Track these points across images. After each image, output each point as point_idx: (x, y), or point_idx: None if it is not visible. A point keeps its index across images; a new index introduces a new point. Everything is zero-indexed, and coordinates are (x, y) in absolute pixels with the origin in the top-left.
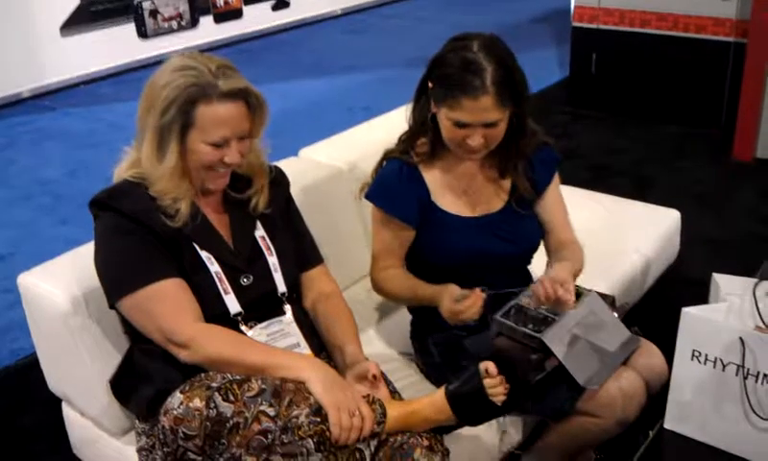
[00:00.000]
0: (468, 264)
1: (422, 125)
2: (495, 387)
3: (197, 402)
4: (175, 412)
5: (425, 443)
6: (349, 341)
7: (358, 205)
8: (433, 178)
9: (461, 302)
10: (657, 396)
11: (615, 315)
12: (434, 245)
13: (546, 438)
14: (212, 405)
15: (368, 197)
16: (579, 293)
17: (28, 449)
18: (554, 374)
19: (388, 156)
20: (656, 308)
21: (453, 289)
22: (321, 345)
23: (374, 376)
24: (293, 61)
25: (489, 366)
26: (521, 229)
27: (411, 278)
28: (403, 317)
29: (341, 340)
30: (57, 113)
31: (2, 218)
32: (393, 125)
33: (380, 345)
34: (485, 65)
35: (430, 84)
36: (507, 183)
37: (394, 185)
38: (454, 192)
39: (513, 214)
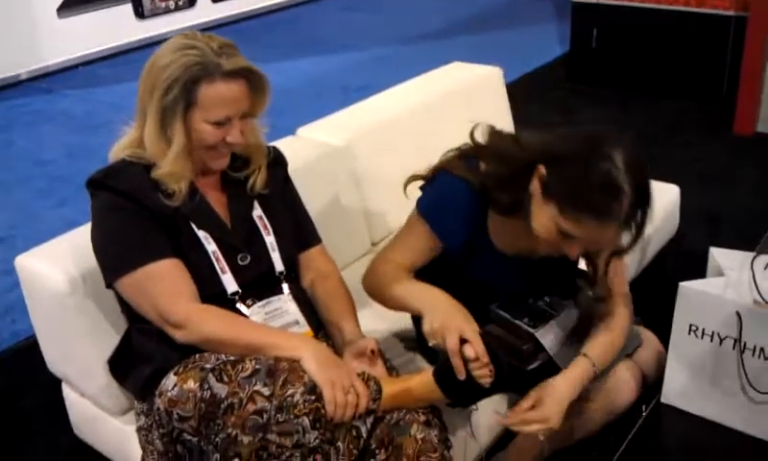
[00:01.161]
0: (488, 295)
1: (514, 205)
2: (480, 369)
3: (191, 384)
4: (169, 394)
5: (422, 418)
6: (347, 320)
7: (356, 184)
8: (495, 218)
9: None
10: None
11: None
12: (469, 272)
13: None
14: (206, 387)
15: (420, 208)
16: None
17: (28, 430)
18: (548, 366)
19: (455, 171)
20: (655, 283)
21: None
22: (319, 323)
23: (373, 352)
24: (290, 41)
25: (468, 349)
26: (555, 274)
27: (413, 281)
28: None
29: (339, 319)
30: (55, 95)
31: (0, 200)
32: (393, 103)
33: (379, 323)
34: (627, 191)
35: (543, 172)
36: None
37: (451, 208)
38: (509, 236)
39: (551, 261)
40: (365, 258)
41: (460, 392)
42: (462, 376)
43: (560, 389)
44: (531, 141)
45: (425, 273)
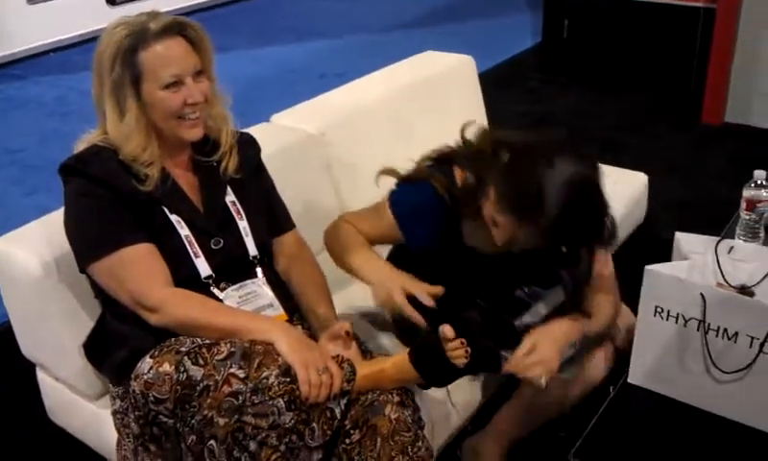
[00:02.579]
0: (461, 287)
1: (475, 194)
2: (456, 350)
3: (166, 367)
4: (145, 377)
5: (396, 399)
6: (321, 304)
7: (330, 171)
8: (471, 225)
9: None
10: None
11: None
12: (440, 268)
13: (503, 412)
14: (182, 369)
15: (392, 204)
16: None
17: (1, 418)
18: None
19: (432, 181)
20: (623, 267)
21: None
22: (294, 307)
23: (347, 333)
24: (266, 27)
25: (446, 329)
26: (534, 268)
27: (366, 244)
28: None
29: (313, 303)
30: (26, 82)
31: None
32: (366, 91)
33: (352, 308)
34: (550, 207)
35: (504, 160)
36: None
37: (422, 216)
38: (480, 232)
39: (531, 256)
40: None
41: (435, 372)
42: (461, 361)
43: (553, 331)
44: (502, 138)
45: (403, 263)
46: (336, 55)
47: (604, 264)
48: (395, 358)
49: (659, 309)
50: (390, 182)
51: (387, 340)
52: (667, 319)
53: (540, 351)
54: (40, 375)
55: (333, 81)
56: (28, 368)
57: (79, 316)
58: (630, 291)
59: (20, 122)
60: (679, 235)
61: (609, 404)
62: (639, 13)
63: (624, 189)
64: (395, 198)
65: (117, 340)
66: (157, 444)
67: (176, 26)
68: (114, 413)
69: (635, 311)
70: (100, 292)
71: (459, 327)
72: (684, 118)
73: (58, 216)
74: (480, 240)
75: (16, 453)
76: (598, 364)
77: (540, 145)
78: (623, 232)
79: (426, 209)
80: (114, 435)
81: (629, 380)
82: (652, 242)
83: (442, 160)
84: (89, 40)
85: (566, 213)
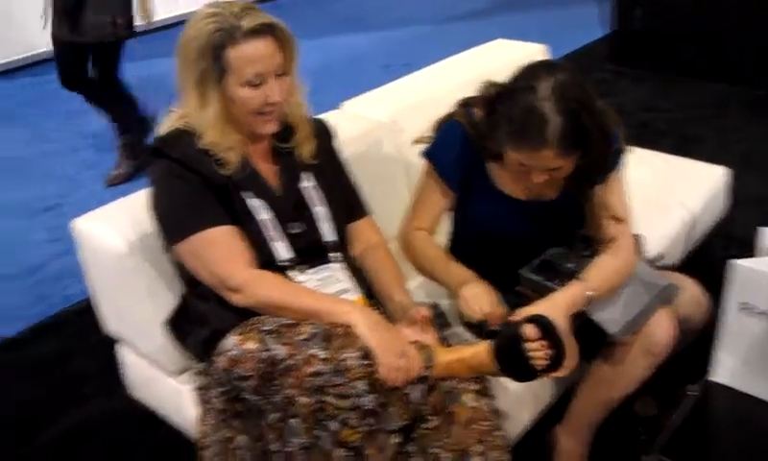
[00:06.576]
0: (508, 245)
1: (490, 137)
2: (536, 351)
3: (250, 345)
4: (229, 354)
5: (475, 387)
6: (397, 289)
7: (400, 158)
8: (495, 169)
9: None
10: (698, 343)
11: (646, 265)
12: (479, 218)
13: (578, 395)
14: (265, 347)
15: (424, 154)
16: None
17: (80, 392)
18: (582, 328)
19: (455, 117)
20: (702, 265)
21: (473, 288)
22: (369, 292)
23: (425, 317)
24: (329, 17)
25: (528, 329)
26: (567, 218)
27: (441, 253)
28: None
29: (388, 289)
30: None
31: (46, 170)
32: (437, 79)
33: (422, 297)
34: (549, 117)
35: (498, 108)
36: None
37: (448, 145)
38: (510, 176)
39: (562, 204)
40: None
41: (515, 369)
42: (540, 363)
43: (555, 309)
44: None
45: (456, 236)
46: (400, 45)
47: (619, 195)
48: (475, 348)
49: (743, 305)
50: None
51: (456, 330)
52: (752, 316)
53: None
54: (122, 350)
55: (398, 71)
56: (105, 346)
57: (162, 293)
58: (711, 291)
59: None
60: (762, 230)
61: (693, 404)
62: (716, 3)
63: (702, 184)
64: (425, 151)
65: (200, 318)
66: (240, 419)
67: (266, 28)
68: (197, 389)
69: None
70: (183, 271)
71: (541, 326)
72: (761, 112)
73: (139, 196)
74: (510, 181)
75: (97, 425)
76: (658, 327)
77: (516, 81)
78: (702, 229)
79: (447, 136)
80: (195, 411)
81: (711, 378)
82: (732, 240)
83: (467, 104)
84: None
85: (567, 115)
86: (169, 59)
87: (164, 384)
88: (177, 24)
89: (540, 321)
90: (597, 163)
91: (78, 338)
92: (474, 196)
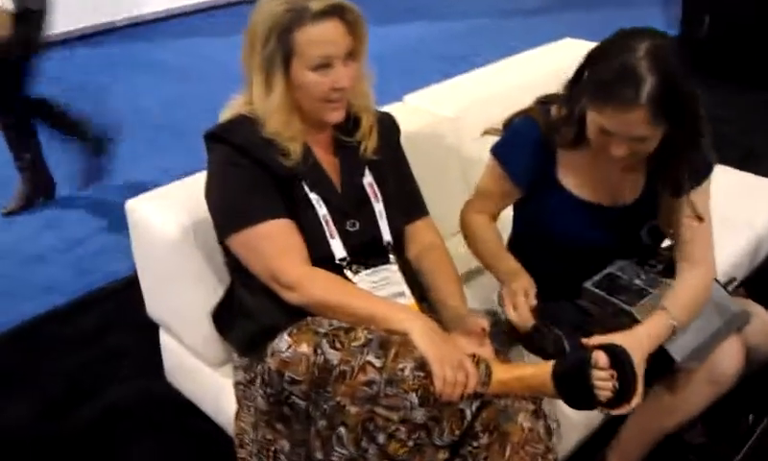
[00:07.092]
0: (576, 250)
1: (571, 113)
2: (603, 381)
3: (304, 348)
4: (282, 355)
5: (530, 407)
6: (453, 295)
7: (461, 156)
8: (566, 157)
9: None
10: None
11: (720, 288)
12: (542, 217)
13: (631, 419)
14: (319, 352)
15: (493, 148)
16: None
17: (117, 371)
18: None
19: (528, 112)
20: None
21: (525, 283)
22: (422, 295)
23: (483, 330)
24: (388, 7)
25: (600, 357)
26: (638, 226)
27: (496, 241)
28: None
29: (445, 295)
30: (152, 45)
31: None
32: (502, 76)
33: (473, 303)
34: (644, 76)
35: (585, 74)
36: (643, 177)
37: (519, 143)
38: (584, 175)
39: (638, 212)
40: (461, 234)
41: (576, 397)
42: (605, 394)
43: (637, 341)
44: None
45: (522, 236)
46: (457, 38)
47: (703, 239)
48: (534, 369)
49: None
50: None
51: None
52: None
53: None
54: (163, 335)
55: (456, 63)
56: (146, 326)
57: (210, 283)
58: None
59: (146, 83)
60: None
61: (760, 435)
62: None
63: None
64: (494, 148)
65: (246, 312)
66: (285, 423)
67: (335, 9)
68: (236, 384)
69: None
70: (233, 262)
71: (612, 356)
72: None
73: (193, 181)
74: (580, 178)
75: (133, 406)
76: (726, 357)
77: (613, 41)
78: (766, 250)
79: (518, 133)
80: (233, 405)
81: None
82: None
83: (541, 102)
84: (214, 7)
85: (661, 77)
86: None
87: (203, 375)
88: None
89: (613, 351)
90: (684, 148)
91: (117, 315)
92: (540, 195)
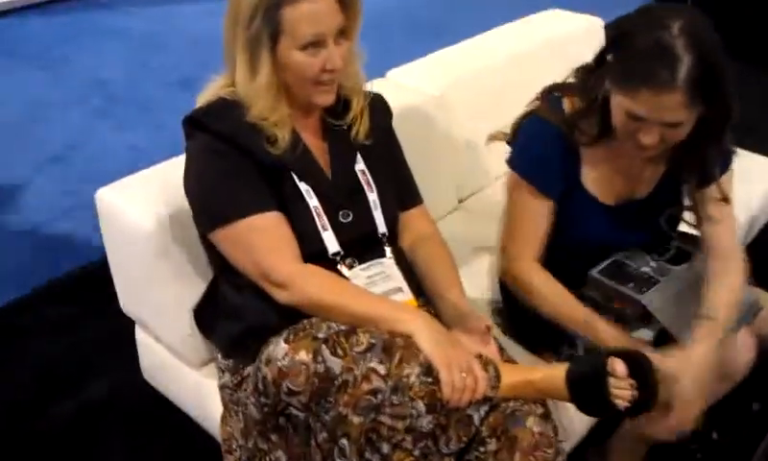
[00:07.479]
0: (594, 252)
1: (592, 103)
2: (620, 389)
3: (303, 355)
4: (279, 364)
5: (540, 411)
6: (451, 288)
7: (449, 136)
8: (588, 153)
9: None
10: None
11: None
12: (566, 226)
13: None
14: (320, 359)
15: (513, 166)
16: (687, 252)
17: (92, 365)
18: (656, 343)
19: (536, 112)
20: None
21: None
22: (419, 289)
23: (488, 327)
24: None
25: (617, 365)
26: (657, 221)
27: (564, 294)
28: (495, 263)
29: (443, 287)
30: (115, 12)
31: (58, 118)
32: (488, 49)
33: (470, 291)
34: (681, 55)
35: (609, 58)
36: (663, 166)
37: (539, 149)
38: (603, 170)
39: (655, 203)
40: (452, 217)
41: (590, 403)
42: (622, 403)
43: (695, 365)
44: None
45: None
46: (426, 2)
47: (729, 225)
48: (546, 372)
49: None
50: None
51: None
52: None
53: (683, 396)
54: (139, 333)
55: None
56: (122, 316)
57: (189, 279)
58: None
59: (109, 53)
60: None
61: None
62: None
63: (763, 181)
64: (511, 162)
65: (232, 311)
66: (280, 435)
67: None
68: (222, 387)
69: None
70: (216, 258)
71: (631, 364)
72: None
73: (168, 167)
74: (603, 179)
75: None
76: (738, 355)
77: (639, 19)
78: (760, 224)
79: (538, 139)
80: (218, 408)
81: None
82: None
83: (549, 95)
84: None
85: (698, 56)
86: None
87: (184, 375)
88: None
89: (632, 358)
90: (717, 133)
91: (91, 305)
92: (570, 205)
